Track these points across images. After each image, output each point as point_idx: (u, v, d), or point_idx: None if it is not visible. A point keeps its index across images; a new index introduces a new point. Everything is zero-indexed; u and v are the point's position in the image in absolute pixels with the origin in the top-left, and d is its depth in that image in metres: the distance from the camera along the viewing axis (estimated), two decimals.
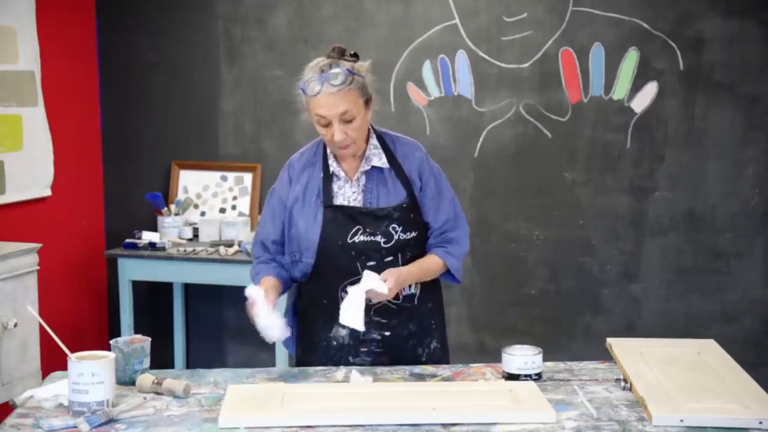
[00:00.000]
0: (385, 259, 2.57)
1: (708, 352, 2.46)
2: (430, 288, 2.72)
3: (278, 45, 4.68)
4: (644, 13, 4.34)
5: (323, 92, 2.47)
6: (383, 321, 2.61)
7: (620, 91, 4.40)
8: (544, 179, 4.51)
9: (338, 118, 2.48)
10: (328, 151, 2.64)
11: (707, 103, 4.35)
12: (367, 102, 2.55)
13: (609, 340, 2.52)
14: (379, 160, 2.62)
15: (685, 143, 4.39)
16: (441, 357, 2.75)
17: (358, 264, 2.56)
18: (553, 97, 4.45)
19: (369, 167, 2.61)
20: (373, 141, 2.64)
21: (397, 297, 2.61)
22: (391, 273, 2.51)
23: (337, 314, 2.51)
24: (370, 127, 2.64)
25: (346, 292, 2.52)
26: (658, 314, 4.48)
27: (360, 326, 2.45)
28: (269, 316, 2.47)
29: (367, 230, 2.56)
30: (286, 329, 2.50)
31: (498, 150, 4.53)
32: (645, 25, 4.35)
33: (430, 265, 2.65)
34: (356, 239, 2.56)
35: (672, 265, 4.46)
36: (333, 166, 2.62)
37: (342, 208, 2.58)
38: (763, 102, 4.32)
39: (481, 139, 4.54)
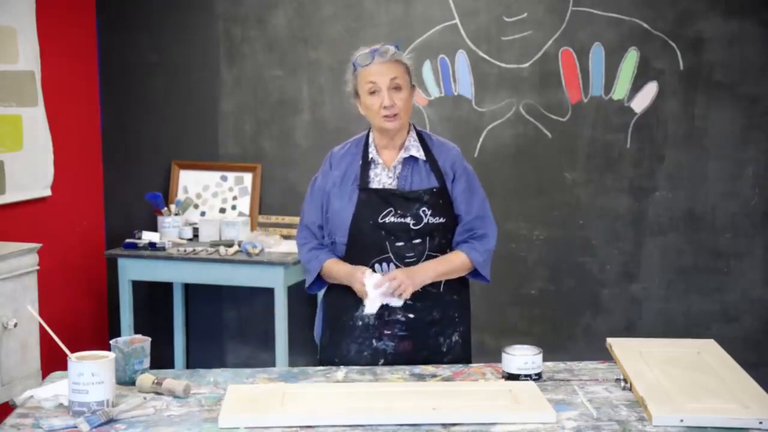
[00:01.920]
0: (414, 241, 2.68)
1: (708, 352, 2.46)
2: (457, 280, 2.79)
3: (278, 45, 4.68)
4: (644, 13, 4.34)
5: (374, 62, 2.67)
6: (409, 302, 2.67)
7: (620, 91, 4.40)
8: (544, 179, 4.51)
9: (388, 85, 2.65)
10: (370, 140, 2.78)
11: (707, 103, 4.35)
12: (412, 87, 2.73)
13: (609, 340, 2.52)
14: (417, 151, 2.75)
15: (685, 143, 4.39)
16: (461, 354, 2.80)
17: (387, 243, 2.68)
18: (553, 97, 4.45)
19: (407, 155, 2.74)
20: (413, 134, 2.78)
21: None
22: (405, 276, 2.62)
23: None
24: (411, 124, 2.79)
25: (374, 270, 2.67)
26: (658, 314, 4.48)
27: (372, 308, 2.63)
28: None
29: (398, 212, 2.68)
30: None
31: (498, 150, 4.53)
32: (645, 25, 4.35)
33: (452, 259, 2.73)
34: (387, 220, 2.68)
35: (672, 265, 4.46)
36: (372, 153, 2.76)
37: (375, 190, 2.71)
38: (763, 102, 4.32)
39: (481, 139, 4.54)
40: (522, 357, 2.41)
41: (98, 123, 4.89)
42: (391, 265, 2.69)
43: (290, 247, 4.40)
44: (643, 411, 2.14)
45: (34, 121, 4.35)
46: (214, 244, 4.48)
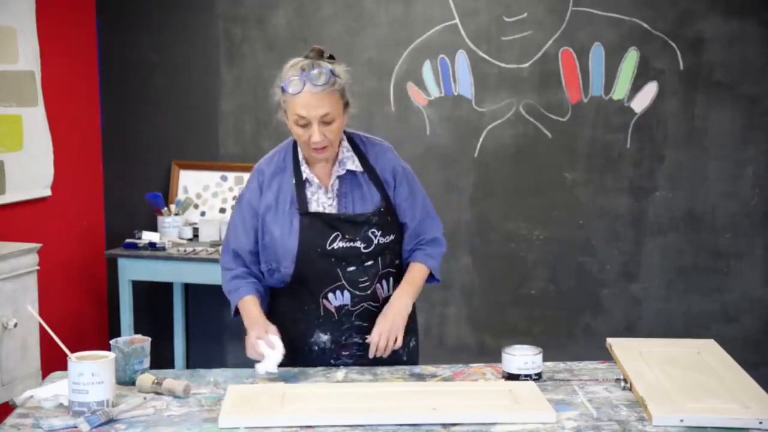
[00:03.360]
0: (366, 264, 2.55)
1: (708, 352, 2.46)
2: None
3: (278, 45, 4.68)
4: (644, 13, 4.34)
5: (305, 91, 2.42)
6: (365, 324, 2.59)
7: (620, 91, 4.40)
8: (544, 179, 4.51)
9: (318, 120, 2.43)
10: (300, 155, 2.59)
11: (707, 103, 4.35)
12: (346, 105, 2.50)
13: (609, 340, 2.52)
14: (353, 163, 2.57)
15: (685, 143, 4.39)
16: (416, 356, 2.76)
17: (339, 270, 2.54)
18: (553, 97, 4.45)
19: (343, 171, 2.56)
20: (345, 144, 2.59)
21: (377, 300, 2.60)
22: (390, 325, 2.49)
23: (319, 321, 2.57)
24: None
25: (328, 300, 2.55)
26: (658, 314, 4.48)
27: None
28: (274, 352, 2.43)
29: (347, 236, 2.53)
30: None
31: (498, 150, 4.53)
32: (645, 25, 4.35)
33: (415, 276, 2.62)
34: (335, 245, 2.52)
35: (672, 265, 4.46)
36: (306, 172, 2.56)
37: (319, 214, 2.53)
38: (763, 102, 4.32)
39: (481, 139, 4.54)
40: (522, 357, 2.41)
41: (98, 123, 4.89)
42: (345, 292, 2.55)
43: None
44: (643, 411, 2.14)
45: (34, 121, 4.35)
46: (214, 244, 4.48)
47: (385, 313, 2.53)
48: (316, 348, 2.61)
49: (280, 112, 2.53)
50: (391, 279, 2.63)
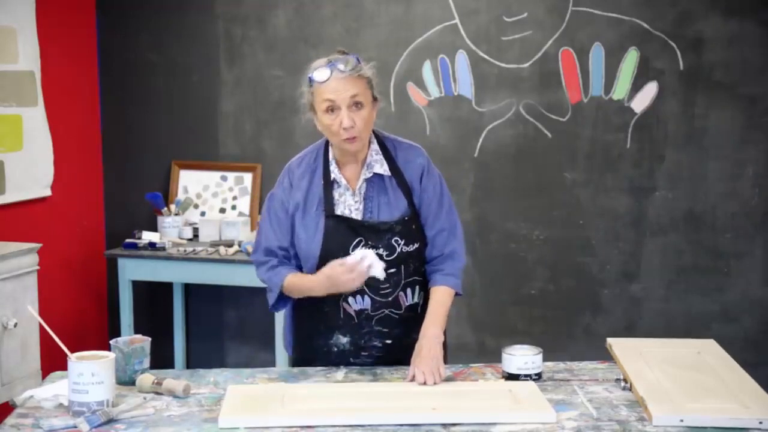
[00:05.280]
0: (388, 271, 2.52)
1: (708, 352, 2.46)
2: (427, 297, 2.65)
3: (278, 45, 4.68)
4: (644, 13, 4.34)
5: (333, 77, 2.45)
6: (385, 330, 2.59)
7: (620, 91, 4.40)
8: (544, 179, 4.51)
9: (347, 102, 2.44)
10: (330, 156, 2.59)
11: (707, 103, 4.35)
12: (374, 99, 2.52)
13: (609, 340, 2.52)
14: (381, 166, 2.56)
15: (685, 143, 4.39)
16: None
17: None
18: (553, 97, 4.45)
19: (371, 174, 2.56)
20: (375, 146, 2.58)
21: (399, 307, 2.58)
22: (431, 363, 2.42)
23: (338, 323, 2.56)
24: (372, 132, 2.58)
25: (348, 303, 2.54)
26: (658, 314, 4.48)
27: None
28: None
29: (369, 243, 2.51)
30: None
31: (498, 150, 4.53)
32: (645, 25, 4.35)
33: (442, 301, 2.58)
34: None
35: (672, 265, 4.46)
36: (334, 172, 2.56)
37: (344, 218, 2.53)
38: (763, 102, 4.32)
39: (481, 139, 4.54)
40: (522, 357, 2.41)
41: (98, 123, 4.89)
42: (366, 297, 2.54)
43: None
44: (643, 411, 2.15)
45: (34, 121, 4.35)
46: (214, 244, 4.48)
47: (419, 351, 2.46)
48: (335, 349, 2.61)
49: (311, 113, 2.53)
50: (417, 287, 2.61)
